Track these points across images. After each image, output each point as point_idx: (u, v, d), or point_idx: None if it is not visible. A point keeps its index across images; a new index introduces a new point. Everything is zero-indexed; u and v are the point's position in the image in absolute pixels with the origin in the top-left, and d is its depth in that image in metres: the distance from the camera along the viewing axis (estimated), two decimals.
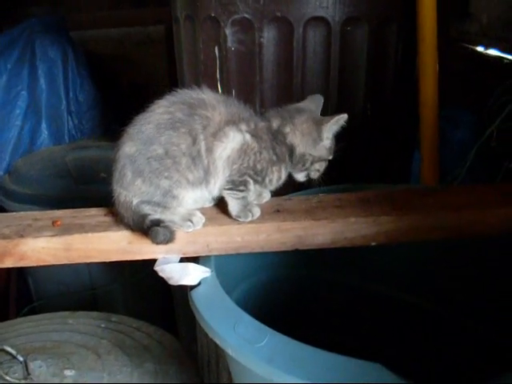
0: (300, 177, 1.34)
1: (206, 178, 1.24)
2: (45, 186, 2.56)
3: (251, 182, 1.26)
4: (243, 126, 1.24)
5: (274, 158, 1.28)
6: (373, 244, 1.27)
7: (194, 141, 1.21)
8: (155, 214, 1.22)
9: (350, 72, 1.68)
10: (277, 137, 1.28)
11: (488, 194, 1.38)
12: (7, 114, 3.41)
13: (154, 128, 1.21)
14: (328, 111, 1.65)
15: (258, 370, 0.97)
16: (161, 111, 1.23)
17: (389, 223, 1.25)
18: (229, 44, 1.67)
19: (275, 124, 1.29)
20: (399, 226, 1.26)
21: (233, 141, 1.23)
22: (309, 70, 1.66)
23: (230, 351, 1.01)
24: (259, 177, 1.27)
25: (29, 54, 3.48)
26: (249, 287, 1.45)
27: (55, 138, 3.52)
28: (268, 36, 1.64)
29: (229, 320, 1.06)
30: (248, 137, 1.24)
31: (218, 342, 1.04)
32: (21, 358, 1.57)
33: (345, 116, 1.27)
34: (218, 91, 1.73)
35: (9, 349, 1.60)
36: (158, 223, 1.19)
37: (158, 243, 1.19)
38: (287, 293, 1.55)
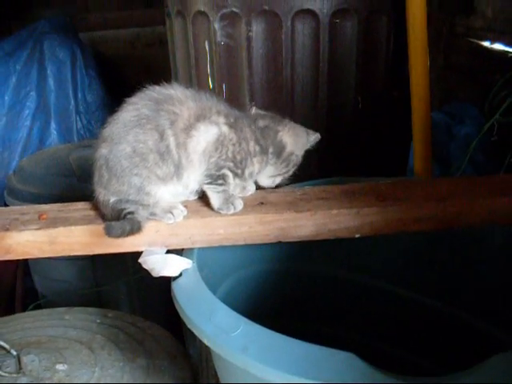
0: (266, 182, 1.36)
1: (177, 173, 1.24)
2: (49, 184, 2.57)
3: (230, 175, 1.26)
4: (220, 119, 1.24)
5: (257, 148, 1.28)
6: (357, 236, 1.27)
7: (161, 136, 1.20)
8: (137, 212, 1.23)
9: (339, 65, 1.66)
10: (265, 131, 1.30)
11: (476, 185, 1.36)
12: (16, 114, 3.46)
13: (121, 127, 1.22)
14: (318, 105, 1.65)
15: (232, 359, 0.97)
16: (129, 109, 1.23)
17: (373, 214, 1.25)
18: (218, 38, 1.67)
19: (262, 123, 1.31)
20: (383, 217, 1.25)
21: (206, 133, 1.23)
22: (298, 63, 1.65)
23: (205, 340, 1.02)
24: (239, 169, 1.26)
25: (38, 54, 3.52)
26: (237, 280, 1.45)
27: (64, 139, 3.56)
28: (256, 29, 1.64)
29: (206, 310, 1.07)
30: (225, 128, 1.24)
31: (194, 331, 1.05)
32: (14, 353, 1.58)
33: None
34: (208, 85, 1.74)
35: (2, 343, 1.61)
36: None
37: (112, 237, 1.19)
38: (276, 286, 1.54)
